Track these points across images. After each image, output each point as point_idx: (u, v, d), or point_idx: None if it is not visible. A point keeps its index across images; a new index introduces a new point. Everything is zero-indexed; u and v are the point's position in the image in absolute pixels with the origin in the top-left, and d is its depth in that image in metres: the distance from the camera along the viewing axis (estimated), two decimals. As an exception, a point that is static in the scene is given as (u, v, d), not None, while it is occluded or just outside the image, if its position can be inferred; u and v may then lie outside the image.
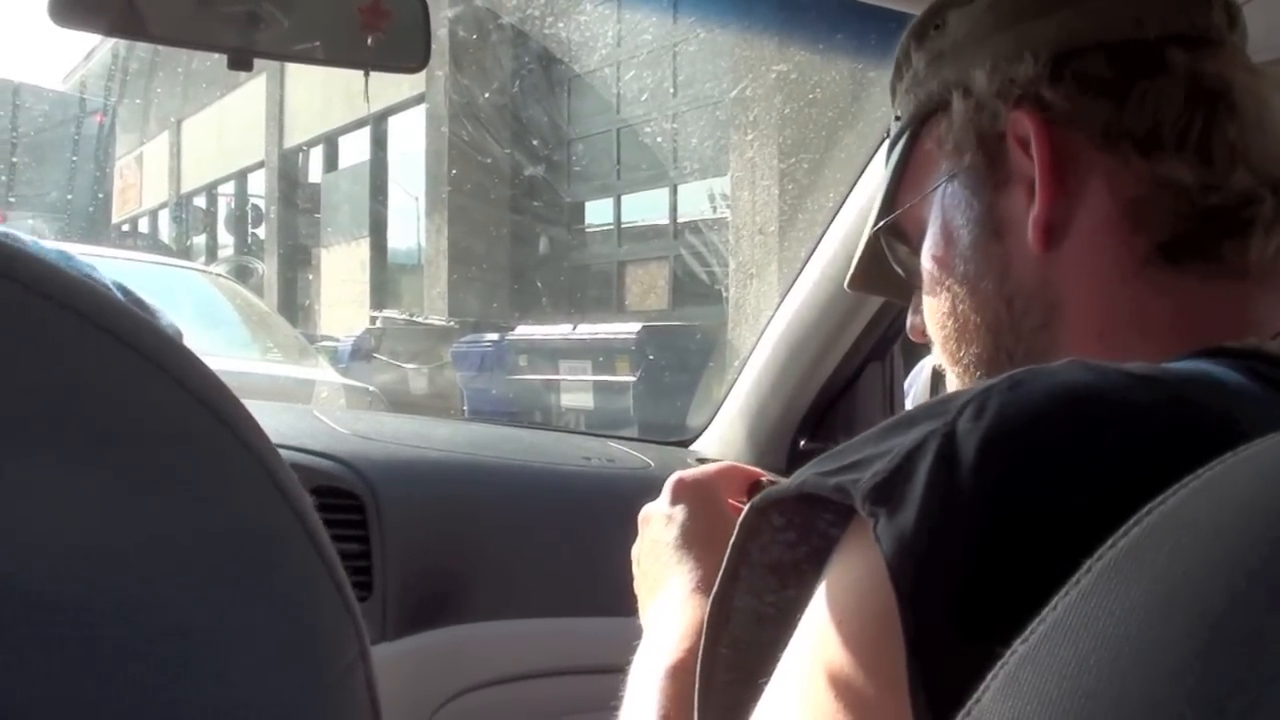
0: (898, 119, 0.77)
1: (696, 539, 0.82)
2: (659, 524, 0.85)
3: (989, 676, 0.34)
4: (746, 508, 0.53)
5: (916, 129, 0.75)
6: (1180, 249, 0.63)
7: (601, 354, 8.59)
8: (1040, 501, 0.43)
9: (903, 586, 0.43)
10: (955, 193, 0.71)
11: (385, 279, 13.49)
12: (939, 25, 0.74)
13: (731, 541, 0.54)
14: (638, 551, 0.87)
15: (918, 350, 1.52)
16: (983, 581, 0.42)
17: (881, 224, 0.78)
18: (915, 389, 1.77)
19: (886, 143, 0.79)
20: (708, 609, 0.56)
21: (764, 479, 0.89)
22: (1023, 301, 0.67)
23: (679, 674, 0.73)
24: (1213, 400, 0.49)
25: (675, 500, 0.85)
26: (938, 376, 0.85)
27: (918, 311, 0.78)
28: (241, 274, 11.49)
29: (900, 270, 0.80)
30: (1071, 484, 0.43)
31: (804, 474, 0.50)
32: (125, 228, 17.65)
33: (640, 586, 0.85)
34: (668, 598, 0.80)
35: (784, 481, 0.52)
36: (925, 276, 0.74)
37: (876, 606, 0.44)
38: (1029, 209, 0.66)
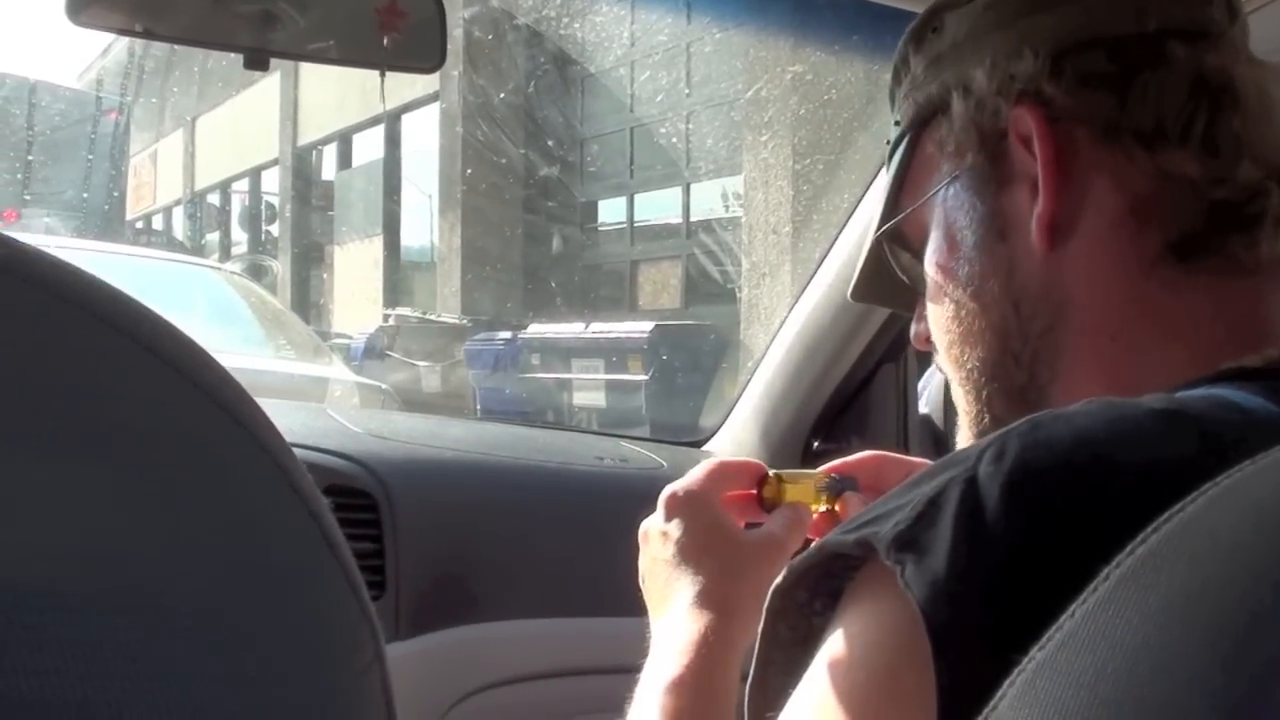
0: (897, 124, 0.76)
1: (693, 552, 0.81)
2: (657, 541, 0.84)
3: (1005, 684, 0.34)
4: (770, 592, 0.53)
5: (917, 133, 0.74)
6: (1189, 246, 0.62)
7: (614, 353, 8.58)
8: (1067, 543, 0.43)
9: (937, 628, 0.43)
10: (958, 194, 0.70)
11: (399, 277, 13.51)
12: (936, 28, 0.73)
13: (760, 628, 0.54)
14: (642, 569, 0.87)
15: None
16: (1014, 620, 0.41)
17: (883, 230, 0.77)
18: (929, 391, 1.76)
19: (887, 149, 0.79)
20: (746, 694, 0.56)
21: (769, 472, 0.88)
22: (1029, 303, 0.66)
23: (678, 689, 0.73)
24: (1238, 433, 0.48)
25: (670, 515, 0.83)
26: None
27: (922, 319, 0.77)
28: (256, 272, 11.52)
29: (904, 277, 0.79)
30: (1096, 526, 0.42)
31: (824, 539, 0.50)
32: (139, 225, 17.72)
33: (648, 603, 0.85)
34: (669, 613, 0.80)
35: (802, 554, 0.51)
36: (929, 281, 0.73)
37: (905, 647, 0.44)
38: (1033, 207, 0.65)
